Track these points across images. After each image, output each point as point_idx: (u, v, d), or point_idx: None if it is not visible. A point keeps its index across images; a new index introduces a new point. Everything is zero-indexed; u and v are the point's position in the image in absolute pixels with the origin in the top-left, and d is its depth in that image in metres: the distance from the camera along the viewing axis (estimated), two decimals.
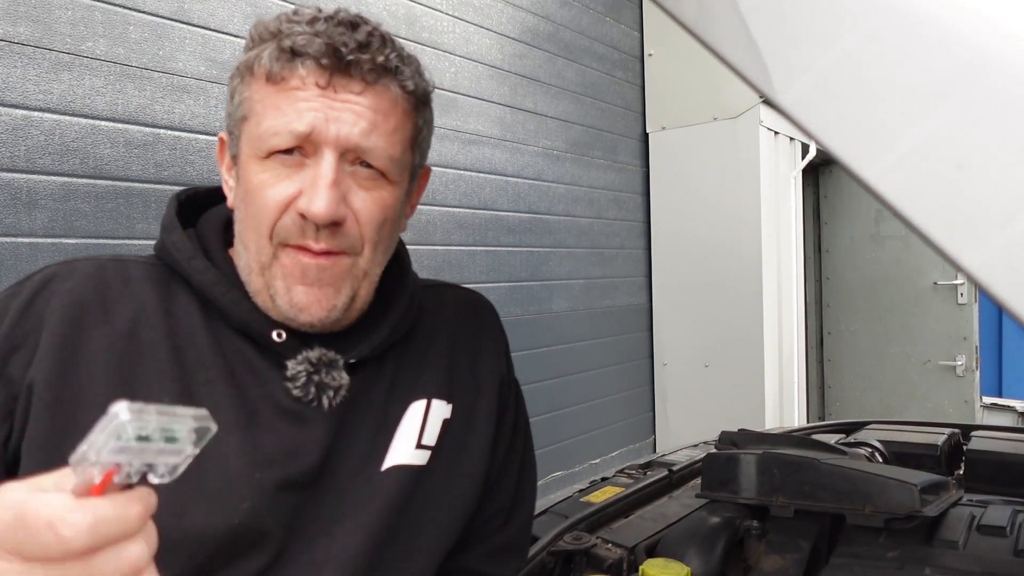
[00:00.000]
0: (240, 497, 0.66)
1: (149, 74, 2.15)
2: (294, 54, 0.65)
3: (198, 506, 0.65)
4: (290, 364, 0.71)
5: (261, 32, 0.69)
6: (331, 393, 0.72)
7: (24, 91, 1.90)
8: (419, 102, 0.74)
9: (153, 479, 0.42)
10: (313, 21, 0.67)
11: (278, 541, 0.68)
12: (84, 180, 2.01)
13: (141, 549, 0.42)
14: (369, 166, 0.69)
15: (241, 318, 0.71)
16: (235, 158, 0.72)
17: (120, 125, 2.09)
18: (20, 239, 1.89)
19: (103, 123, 2.05)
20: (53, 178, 1.95)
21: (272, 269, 0.69)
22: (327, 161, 0.67)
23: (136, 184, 2.12)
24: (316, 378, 0.71)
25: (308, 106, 0.66)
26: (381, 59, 0.67)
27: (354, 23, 0.68)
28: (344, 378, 0.73)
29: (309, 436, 0.71)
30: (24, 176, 1.90)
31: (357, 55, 0.66)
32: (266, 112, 0.67)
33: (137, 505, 0.41)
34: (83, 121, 2.01)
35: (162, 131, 2.18)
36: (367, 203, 0.70)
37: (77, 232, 2.00)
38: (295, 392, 0.71)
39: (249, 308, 0.72)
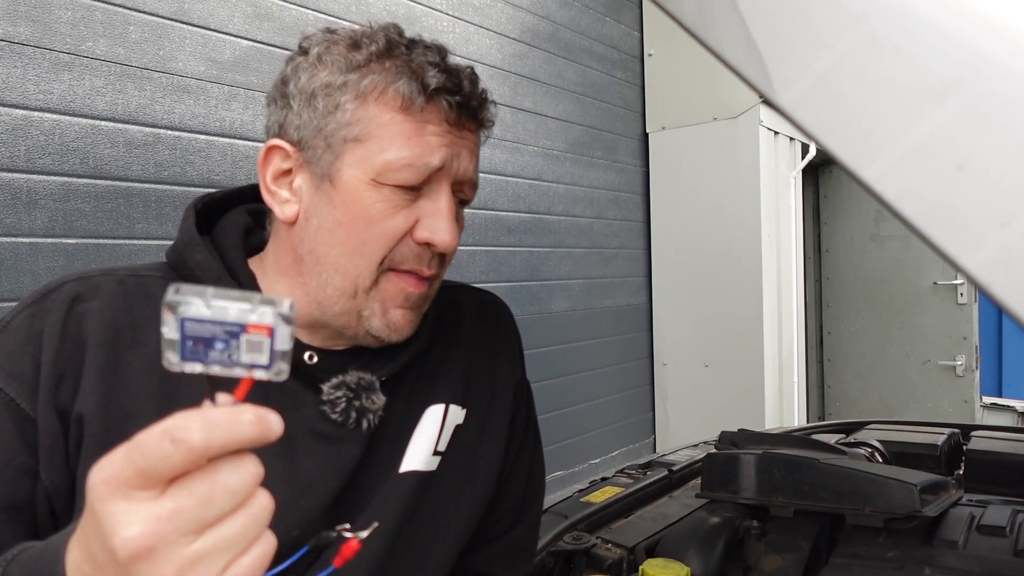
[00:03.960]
0: (288, 527, 0.66)
1: (149, 74, 2.15)
2: (437, 91, 0.68)
3: None
4: (326, 388, 0.71)
5: (378, 52, 0.68)
6: (371, 416, 0.72)
7: (24, 91, 1.90)
8: None
9: (262, 373, 0.39)
10: (427, 51, 0.70)
11: (310, 555, 0.68)
12: (84, 180, 2.01)
13: (257, 466, 0.40)
14: (463, 201, 0.75)
15: None
16: (327, 176, 0.69)
17: (120, 125, 2.09)
18: (20, 239, 1.89)
19: (103, 123, 2.05)
20: (53, 178, 1.95)
21: (371, 293, 0.71)
22: (447, 193, 0.71)
23: (136, 184, 2.12)
24: (357, 403, 0.72)
25: (439, 141, 0.69)
26: (489, 103, 0.74)
27: (459, 67, 0.72)
28: (382, 399, 0.73)
29: (346, 454, 0.72)
30: (24, 176, 1.90)
31: (480, 99, 0.72)
32: (393, 140, 0.67)
33: (247, 412, 0.39)
34: (83, 121, 2.01)
35: (162, 131, 2.18)
36: (456, 233, 0.74)
37: (77, 232, 2.00)
38: (334, 417, 0.71)
39: None
